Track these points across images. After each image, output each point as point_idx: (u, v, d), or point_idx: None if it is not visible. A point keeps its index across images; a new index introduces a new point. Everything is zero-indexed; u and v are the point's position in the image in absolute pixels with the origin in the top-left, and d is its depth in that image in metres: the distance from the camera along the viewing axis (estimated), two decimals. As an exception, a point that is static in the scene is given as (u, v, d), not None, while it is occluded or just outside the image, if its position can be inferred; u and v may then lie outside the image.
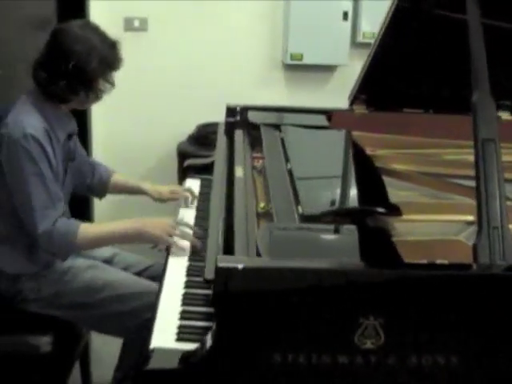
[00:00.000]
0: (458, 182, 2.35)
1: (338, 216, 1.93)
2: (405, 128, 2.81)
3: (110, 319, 2.39)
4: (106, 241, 2.50)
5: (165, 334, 1.82)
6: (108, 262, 2.65)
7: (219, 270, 1.57)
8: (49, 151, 2.33)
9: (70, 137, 2.52)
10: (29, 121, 2.32)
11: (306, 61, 3.95)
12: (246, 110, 2.93)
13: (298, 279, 1.57)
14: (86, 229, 2.38)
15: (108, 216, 3.92)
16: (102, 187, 2.85)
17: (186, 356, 1.65)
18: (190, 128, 3.93)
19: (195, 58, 4.13)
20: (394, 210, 1.98)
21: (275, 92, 4.05)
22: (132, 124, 4.21)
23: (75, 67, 2.34)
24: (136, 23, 4.06)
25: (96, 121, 4.11)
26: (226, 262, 1.59)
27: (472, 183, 2.36)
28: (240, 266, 1.57)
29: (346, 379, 1.60)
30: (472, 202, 2.14)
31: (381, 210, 1.94)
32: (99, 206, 3.98)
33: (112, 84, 2.48)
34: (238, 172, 2.30)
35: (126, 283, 2.44)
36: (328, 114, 2.93)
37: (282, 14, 4.01)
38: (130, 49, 4.01)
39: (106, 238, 2.46)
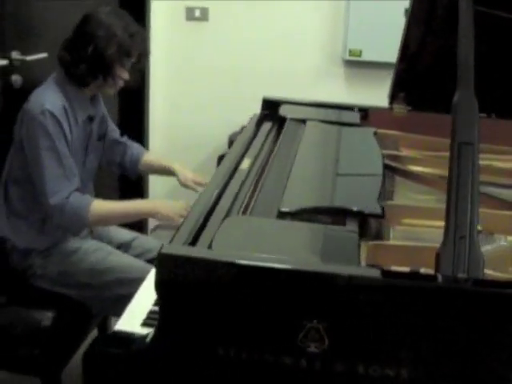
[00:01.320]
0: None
1: (314, 214, 1.89)
2: (442, 130, 2.71)
3: (112, 302, 2.44)
4: (118, 218, 2.59)
5: (133, 318, 1.86)
6: (126, 245, 2.70)
7: (160, 257, 1.58)
8: (65, 128, 2.42)
9: (91, 119, 2.59)
10: (49, 98, 2.43)
11: (365, 57, 3.88)
12: (281, 103, 2.89)
13: (239, 274, 1.55)
14: (98, 205, 2.46)
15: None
16: (134, 166, 2.92)
17: (129, 342, 1.67)
18: (244, 119, 3.92)
19: (254, 50, 4.14)
20: (375, 213, 1.91)
21: (334, 88, 4.01)
22: (189, 112, 4.27)
23: (95, 52, 2.44)
24: (197, 13, 4.10)
25: (154, 108, 4.17)
26: (168, 249, 1.59)
27: (494, 190, 2.32)
28: (178, 254, 1.57)
29: (289, 382, 1.57)
30: (485, 211, 2.09)
31: (356, 210, 1.88)
32: (153, 187, 4.05)
33: (132, 73, 2.58)
34: (244, 164, 2.29)
35: (129, 268, 2.49)
36: (365, 111, 2.87)
37: (344, 9, 3.95)
38: (191, 38, 4.13)
39: (117, 215, 2.55)
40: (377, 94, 2.94)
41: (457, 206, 1.62)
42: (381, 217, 1.93)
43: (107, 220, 2.57)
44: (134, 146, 2.93)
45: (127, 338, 1.72)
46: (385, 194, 2.21)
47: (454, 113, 1.69)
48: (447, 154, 2.48)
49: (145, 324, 1.82)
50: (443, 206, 2.11)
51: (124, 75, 2.56)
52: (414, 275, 1.64)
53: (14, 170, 2.52)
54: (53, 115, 2.40)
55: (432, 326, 1.50)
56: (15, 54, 2.94)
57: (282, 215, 1.88)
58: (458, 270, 1.54)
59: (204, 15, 4.13)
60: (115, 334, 1.78)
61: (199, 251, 1.63)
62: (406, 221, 2.15)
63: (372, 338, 1.52)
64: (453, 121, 1.69)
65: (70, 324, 2.43)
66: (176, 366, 1.62)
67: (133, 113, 4.00)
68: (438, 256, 1.58)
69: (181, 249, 1.62)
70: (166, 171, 2.95)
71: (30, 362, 2.38)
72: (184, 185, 2.85)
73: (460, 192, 1.63)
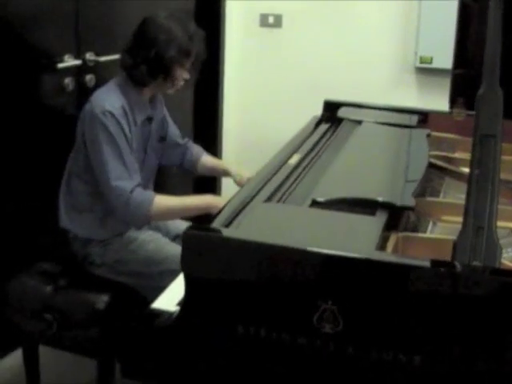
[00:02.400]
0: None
1: (345, 204, 1.94)
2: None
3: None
4: (178, 213, 2.69)
5: (171, 298, 1.93)
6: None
7: (185, 237, 1.66)
8: (125, 127, 2.53)
9: (149, 120, 2.71)
10: (109, 99, 2.55)
11: (436, 64, 3.87)
12: (341, 105, 2.95)
13: (261, 254, 1.62)
14: (160, 200, 2.55)
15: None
16: (192, 167, 3.03)
17: (156, 320, 1.76)
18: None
19: (326, 58, 4.18)
20: (407, 206, 1.95)
21: (406, 96, 4.01)
22: (261, 116, 4.34)
23: (156, 54, 2.54)
24: (271, 19, 4.19)
25: (228, 112, 4.28)
26: (194, 229, 1.67)
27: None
28: (201, 234, 1.65)
29: (305, 362, 1.63)
30: None
31: (386, 201, 1.93)
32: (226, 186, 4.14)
33: (193, 75, 2.69)
34: (293, 159, 2.36)
35: None
36: (425, 115, 2.90)
37: (415, 15, 3.95)
38: (264, 44, 4.22)
39: (178, 210, 2.65)
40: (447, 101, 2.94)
41: (478, 198, 1.64)
42: (412, 209, 1.95)
43: (168, 215, 2.68)
44: (194, 148, 3.03)
45: (158, 315, 1.80)
46: (425, 190, 2.24)
47: (478, 105, 1.71)
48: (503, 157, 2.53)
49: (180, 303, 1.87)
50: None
51: (184, 75, 2.67)
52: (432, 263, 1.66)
53: (76, 166, 2.65)
54: (113, 115, 2.51)
55: (447, 313, 1.52)
56: (89, 55, 3.09)
57: (314, 204, 1.94)
58: (473, 259, 1.56)
59: (278, 22, 4.21)
60: (149, 312, 1.86)
61: (221, 232, 1.69)
62: (447, 218, 2.18)
63: (385, 323, 1.56)
64: (476, 113, 1.71)
65: (124, 308, 2.53)
66: (198, 343, 1.71)
67: (207, 116, 4.11)
68: (455, 245, 1.60)
69: (204, 229, 1.68)
70: (223, 173, 3.05)
71: (88, 344, 2.49)
72: (240, 184, 2.91)
73: (480, 183, 1.64)
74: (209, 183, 3.98)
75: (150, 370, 1.82)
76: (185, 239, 1.66)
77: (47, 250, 2.77)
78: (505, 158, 2.50)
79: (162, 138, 2.86)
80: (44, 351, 2.67)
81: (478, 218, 1.61)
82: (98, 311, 2.45)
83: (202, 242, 1.66)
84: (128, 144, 2.54)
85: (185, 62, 2.61)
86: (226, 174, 3.02)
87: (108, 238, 2.66)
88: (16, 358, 2.80)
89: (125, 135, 2.52)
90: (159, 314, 1.83)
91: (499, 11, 1.78)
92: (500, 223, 2.07)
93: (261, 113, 4.35)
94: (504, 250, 1.95)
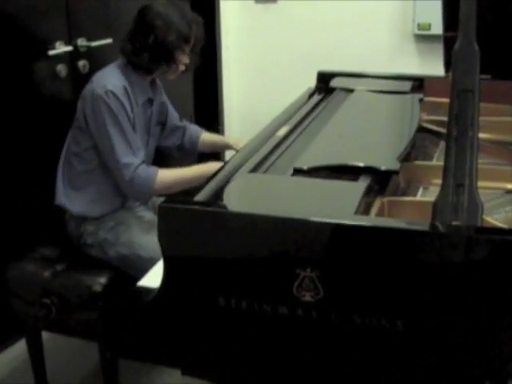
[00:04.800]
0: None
1: (328, 172, 1.92)
2: (496, 96, 2.67)
3: None
4: (182, 184, 2.70)
5: (157, 275, 1.92)
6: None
7: (159, 210, 1.65)
8: (127, 106, 2.58)
9: (150, 102, 2.75)
10: (110, 79, 2.60)
11: (434, 31, 3.82)
12: (334, 75, 2.92)
13: (236, 224, 1.61)
14: (163, 174, 2.63)
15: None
16: (192, 146, 3.07)
17: (141, 295, 1.76)
18: (317, 98, 3.96)
19: (324, 30, 4.15)
20: (392, 169, 1.92)
21: (406, 63, 3.97)
22: (263, 94, 4.33)
23: (156, 41, 2.59)
24: (266, -5, 4.16)
25: (229, 90, 4.26)
26: (169, 202, 1.66)
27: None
28: (174, 206, 1.64)
29: (288, 332, 1.62)
30: None
31: (368, 166, 1.90)
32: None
33: (194, 58, 2.74)
34: (282, 131, 2.33)
35: None
36: (420, 80, 2.86)
37: (413, -17, 3.91)
38: (260, 20, 4.19)
39: (181, 181, 2.68)
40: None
41: (456, 156, 1.60)
42: (396, 173, 1.93)
43: (173, 187, 2.69)
44: (192, 127, 3.07)
45: (144, 292, 1.80)
46: (417, 155, 2.21)
47: (455, 61, 1.67)
48: (500, 118, 2.49)
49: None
50: (481, 167, 2.12)
51: (185, 60, 2.71)
52: (407, 222, 1.64)
53: (75, 145, 2.69)
54: (115, 95, 2.56)
55: (428, 275, 1.49)
56: (81, 41, 3.09)
57: (295, 172, 1.92)
58: (453, 218, 1.53)
59: (273, -3, 4.19)
60: (135, 290, 1.87)
61: (195, 203, 1.69)
62: (438, 181, 2.14)
63: (366, 289, 1.54)
64: (453, 69, 1.67)
65: (121, 289, 2.52)
66: (181, 317, 1.71)
67: (207, 97, 4.10)
68: (434, 205, 1.57)
69: (179, 202, 1.67)
70: (224, 147, 3.09)
71: (88, 327, 2.50)
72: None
73: (458, 140, 1.61)
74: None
75: (142, 348, 1.81)
76: (160, 213, 1.65)
77: (44, 233, 2.81)
78: (502, 119, 2.48)
79: (161, 123, 2.91)
80: (47, 339, 2.68)
81: (457, 177, 1.57)
82: (95, 293, 2.47)
83: (177, 214, 1.64)
84: (130, 123, 2.59)
85: (184, 47, 2.65)
86: (227, 147, 3.06)
87: (101, 216, 2.70)
88: (20, 347, 2.82)
89: (127, 114, 2.58)
90: (145, 291, 1.82)
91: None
92: (494, 184, 2.05)
93: (261, 90, 4.33)
94: (496, 211, 1.93)
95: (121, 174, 2.58)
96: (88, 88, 2.62)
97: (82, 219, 2.70)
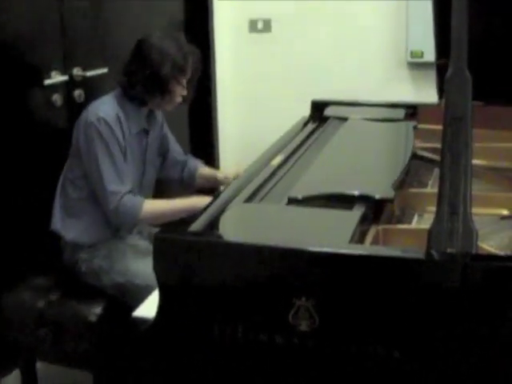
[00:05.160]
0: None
1: (323, 200, 1.92)
2: (491, 122, 2.68)
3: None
4: (167, 216, 2.68)
5: (153, 305, 1.92)
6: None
7: (155, 240, 1.65)
8: (118, 134, 2.59)
9: (146, 132, 2.76)
10: (103, 107, 2.62)
11: (427, 58, 3.84)
12: (328, 104, 2.94)
13: (231, 254, 1.62)
14: (148, 205, 2.62)
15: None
16: (191, 180, 3.06)
17: (136, 325, 1.76)
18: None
19: (318, 59, 4.17)
20: (386, 198, 1.93)
21: (400, 90, 3.99)
22: (257, 121, 4.34)
23: (151, 72, 2.61)
24: (260, 25, 4.19)
25: (224, 118, 4.28)
26: (164, 233, 1.66)
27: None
28: (170, 237, 1.64)
29: (284, 361, 1.61)
30: None
31: (363, 195, 1.90)
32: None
33: (190, 90, 2.75)
34: (275, 160, 2.34)
35: None
36: (414, 108, 2.88)
37: (405, 11, 3.94)
38: (255, 49, 4.21)
39: (166, 213, 2.67)
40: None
41: (449, 182, 1.61)
42: (391, 201, 1.93)
43: (157, 218, 2.70)
44: (192, 162, 3.07)
45: (140, 323, 1.80)
46: (412, 183, 2.21)
47: (447, 88, 1.67)
48: (495, 145, 2.50)
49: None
50: (476, 193, 2.13)
51: (181, 91, 2.72)
52: (402, 250, 1.64)
53: (70, 172, 2.70)
54: (106, 122, 2.58)
55: (424, 303, 1.49)
56: (76, 71, 3.10)
57: (290, 202, 1.92)
58: (448, 246, 1.53)
59: (267, 27, 4.22)
60: (131, 320, 1.87)
61: (190, 233, 1.70)
62: (433, 208, 2.14)
63: (362, 317, 1.53)
64: (445, 96, 1.68)
65: (116, 320, 2.52)
66: (177, 346, 1.70)
67: (202, 125, 4.12)
68: (429, 232, 1.57)
69: (174, 232, 1.68)
70: (219, 182, 3.07)
71: (83, 357, 2.48)
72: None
73: (452, 168, 1.61)
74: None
75: (137, 378, 1.80)
76: (156, 242, 1.65)
77: (40, 260, 2.81)
78: (498, 145, 2.49)
79: (162, 155, 2.92)
80: (42, 369, 2.66)
81: (451, 204, 1.57)
82: (90, 323, 2.46)
83: (173, 244, 1.64)
84: (121, 151, 2.59)
85: (180, 78, 2.66)
86: (222, 182, 3.03)
87: (95, 244, 2.69)
88: (14, 377, 2.80)
89: (118, 142, 2.59)
90: (140, 321, 1.82)
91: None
92: (489, 210, 2.06)
93: (256, 119, 4.34)
94: (491, 237, 1.93)
95: (106, 201, 2.58)
96: (82, 116, 2.65)
97: (77, 246, 2.70)
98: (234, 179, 2.66)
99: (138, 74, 2.63)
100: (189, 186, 3.11)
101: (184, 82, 2.71)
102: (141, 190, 2.74)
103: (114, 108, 2.63)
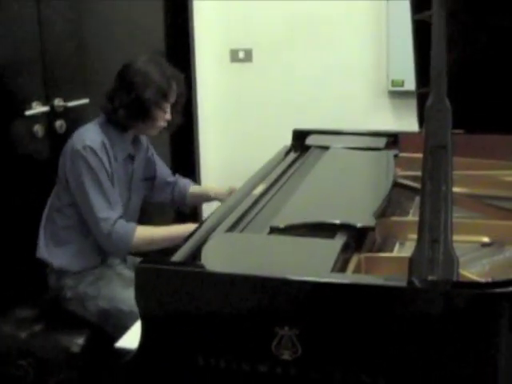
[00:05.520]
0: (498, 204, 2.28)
1: (305, 229, 1.92)
2: (471, 150, 2.71)
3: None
4: (160, 243, 2.69)
5: (136, 336, 1.91)
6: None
7: (137, 270, 1.64)
8: (105, 161, 2.60)
9: (131, 158, 2.77)
10: (89, 135, 2.63)
11: (408, 87, 3.87)
12: (310, 133, 2.95)
13: (214, 283, 1.61)
14: (141, 231, 2.62)
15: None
16: (182, 200, 3.08)
17: (119, 356, 1.75)
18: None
19: (299, 88, 4.21)
20: (368, 226, 1.93)
21: (381, 119, 4.02)
22: (238, 150, 4.36)
23: (134, 97, 2.61)
24: (241, 55, 4.22)
25: (205, 148, 4.30)
26: (146, 263, 1.66)
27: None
28: (154, 267, 1.63)
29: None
30: (496, 222, 2.11)
31: (345, 224, 1.91)
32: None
33: (173, 116, 2.76)
34: (258, 190, 2.35)
35: None
36: (395, 136, 2.89)
37: (385, 40, 3.98)
38: (236, 79, 4.24)
39: (159, 240, 2.68)
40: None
41: (429, 210, 1.61)
42: (373, 230, 1.94)
43: (150, 245, 2.70)
44: (181, 181, 3.10)
45: (122, 354, 1.79)
46: (394, 211, 2.22)
47: (427, 117, 1.69)
48: (475, 173, 2.52)
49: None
50: (457, 221, 2.14)
51: (165, 116, 2.73)
52: (383, 278, 1.65)
53: (58, 201, 2.71)
54: (93, 150, 2.59)
55: (406, 331, 1.49)
56: (58, 101, 3.10)
57: (272, 231, 1.92)
58: (429, 273, 1.54)
59: (248, 56, 4.25)
60: (113, 351, 1.85)
61: (172, 263, 1.70)
62: (414, 236, 2.15)
63: (345, 346, 1.53)
64: (425, 125, 1.69)
65: (99, 350, 2.51)
66: (160, 377, 1.69)
67: (184, 154, 4.13)
68: (410, 260, 1.58)
69: (156, 262, 1.67)
70: (211, 198, 3.10)
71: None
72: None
73: (433, 196, 1.62)
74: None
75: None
76: (137, 273, 1.64)
77: (22, 291, 2.79)
78: (479, 173, 2.51)
79: (148, 179, 2.92)
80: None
81: (432, 232, 1.58)
82: (73, 354, 2.45)
83: (155, 275, 1.64)
84: (108, 178, 2.60)
85: (163, 103, 2.67)
86: (213, 197, 3.07)
87: (82, 271, 2.69)
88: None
89: (105, 169, 2.59)
90: (123, 352, 1.80)
91: (442, 22, 1.78)
92: (470, 237, 2.07)
93: (238, 147, 4.37)
94: (472, 264, 1.94)
95: (98, 228, 2.59)
96: (68, 144, 2.66)
97: (63, 273, 2.70)
98: (231, 193, 2.68)
99: (121, 98, 2.64)
100: (180, 206, 3.13)
101: (167, 107, 2.71)
102: (126, 217, 2.73)
103: (99, 135, 2.64)
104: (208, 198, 3.12)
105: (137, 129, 2.75)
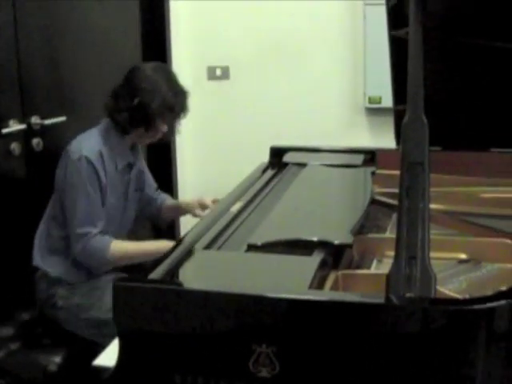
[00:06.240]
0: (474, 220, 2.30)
1: (282, 247, 1.92)
2: (448, 166, 2.72)
3: None
4: (135, 258, 2.71)
5: (113, 354, 1.90)
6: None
7: (115, 288, 1.64)
8: (100, 173, 2.59)
9: (130, 166, 2.76)
10: (87, 144, 2.61)
11: (385, 104, 3.89)
12: (288, 150, 2.96)
13: (191, 301, 1.61)
14: (116, 246, 2.62)
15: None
16: (159, 214, 3.08)
17: (97, 374, 1.73)
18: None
19: (276, 105, 4.23)
20: (345, 243, 1.94)
21: (358, 136, 4.04)
22: (216, 168, 4.36)
23: (139, 104, 2.60)
24: (218, 72, 4.23)
25: (182, 165, 4.30)
26: (123, 281, 1.65)
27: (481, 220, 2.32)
28: (132, 285, 1.63)
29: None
30: (473, 239, 2.13)
31: (322, 241, 1.91)
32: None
33: (173, 128, 2.77)
34: (234, 207, 2.34)
35: None
36: (372, 153, 2.90)
37: (362, 58, 4.00)
38: (213, 96, 4.24)
39: (134, 255, 2.69)
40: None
41: (408, 228, 1.62)
42: (350, 247, 1.94)
43: (125, 260, 2.71)
44: (160, 197, 3.09)
45: (100, 372, 1.78)
46: (371, 228, 2.23)
47: (404, 134, 1.70)
48: (451, 189, 2.53)
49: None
50: (434, 238, 2.15)
51: (163, 128, 2.72)
52: (361, 295, 1.65)
53: (53, 210, 2.70)
54: (89, 161, 2.58)
55: (384, 347, 1.49)
56: (34, 119, 3.09)
57: (250, 248, 1.92)
58: (407, 290, 1.54)
59: (225, 74, 4.26)
60: (91, 369, 1.84)
61: (150, 281, 1.69)
62: (391, 253, 2.16)
63: (322, 362, 1.53)
64: (402, 142, 1.70)
65: (77, 368, 2.49)
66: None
67: (161, 171, 4.10)
68: (388, 277, 1.58)
69: (133, 280, 1.67)
70: (183, 210, 3.09)
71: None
72: (192, 213, 3.00)
73: (410, 213, 1.63)
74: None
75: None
76: (115, 291, 1.64)
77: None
78: (456, 189, 2.53)
79: (139, 189, 2.90)
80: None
81: (410, 249, 1.58)
82: (50, 373, 2.43)
83: (132, 293, 1.63)
84: (101, 191, 2.59)
85: (167, 116, 2.66)
86: (185, 209, 3.07)
87: (76, 282, 2.68)
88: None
89: (98, 181, 2.58)
90: (101, 370, 1.79)
91: (419, 39, 1.79)
92: (447, 254, 2.08)
93: (215, 164, 4.37)
94: (450, 281, 1.95)
95: (74, 241, 2.60)
96: (66, 152, 2.64)
97: (56, 281, 2.68)
98: (214, 203, 2.76)
99: (125, 100, 2.64)
100: (156, 221, 3.15)
101: (170, 120, 2.70)
102: (121, 227, 2.76)
103: (98, 144, 2.63)
104: (181, 211, 3.12)
105: (136, 135, 2.73)
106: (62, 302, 2.68)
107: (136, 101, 2.62)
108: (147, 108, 2.62)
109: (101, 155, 2.61)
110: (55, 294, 2.68)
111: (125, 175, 2.75)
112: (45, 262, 2.71)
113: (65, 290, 2.68)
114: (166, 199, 3.10)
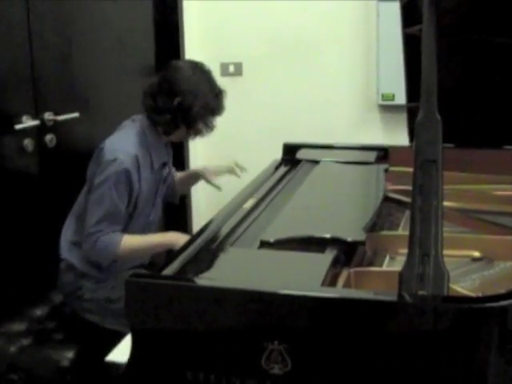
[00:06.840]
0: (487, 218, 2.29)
1: (294, 244, 1.92)
2: (462, 164, 2.71)
3: None
4: (144, 252, 2.73)
5: (126, 350, 1.91)
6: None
7: (127, 284, 1.64)
8: (134, 182, 2.56)
9: (164, 165, 2.75)
10: (122, 146, 2.58)
11: (398, 101, 3.88)
12: (300, 147, 2.96)
13: (204, 297, 1.61)
14: (126, 241, 2.59)
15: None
16: (173, 191, 3.05)
17: (109, 370, 1.74)
18: (285, 170, 3.99)
19: (289, 102, 4.21)
20: (356, 241, 1.93)
21: (371, 133, 4.03)
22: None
23: (180, 105, 2.58)
24: (231, 68, 4.22)
25: (194, 163, 4.28)
26: (135, 277, 1.65)
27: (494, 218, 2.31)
28: (144, 281, 1.63)
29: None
30: (486, 237, 2.12)
31: (334, 238, 1.91)
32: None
33: (211, 128, 2.72)
34: (248, 204, 2.34)
35: None
36: (385, 150, 2.90)
37: (375, 54, 3.99)
38: (227, 93, 4.22)
39: (143, 249, 2.69)
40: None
41: (419, 224, 1.61)
42: (363, 244, 1.94)
43: (134, 254, 2.69)
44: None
45: (112, 367, 1.78)
46: (383, 225, 2.22)
47: (417, 132, 1.69)
48: (466, 187, 2.53)
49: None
50: (447, 235, 2.14)
51: (202, 128, 2.71)
52: (373, 293, 1.64)
53: (84, 203, 2.68)
54: (123, 168, 2.53)
55: (396, 345, 1.49)
56: (48, 115, 3.09)
57: (262, 245, 1.92)
58: (419, 288, 1.54)
59: (238, 70, 4.25)
60: (104, 365, 1.84)
61: (163, 277, 1.70)
62: (404, 250, 2.15)
63: (334, 360, 1.52)
64: (416, 139, 1.69)
65: (89, 364, 2.49)
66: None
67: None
68: (400, 275, 1.58)
69: (146, 276, 1.67)
70: (193, 177, 3.11)
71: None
72: (208, 181, 3.02)
73: (423, 210, 1.62)
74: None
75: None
76: (127, 287, 1.64)
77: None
78: (469, 187, 2.52)
79: (166, 183, 2.89)
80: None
81: (422, 246, 1.58)
82: (63, 369, 2.43)
83: (145, 289, 1.63)
84: (129, 199, 2.57)
85: (209, 118, 2.65)
86: (197, 177, 3.09)
87: (103, 276, 2.68)
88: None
89: (130, 189, 2.56)
90: (113, 366, 1.80)
91: (433, 36, 1.78)
92: (460, 252, 2.07)
93: (227, 161, 4.33)
94: (463, 279, 1.94)
95: (85, 238, 2.58)
96: (100, 148, 2.61)
97: (84, 273, 2.68)
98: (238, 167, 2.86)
99: (166, 99, 2.61)
100: (174, 199, 3.12)
101: (210, 120, 2.69)
102: (150, 225, 2.75)
103: (134, 147, 2.60)
104: (191, 181, 3.13)
105: (176, 136, 2.73)
106: (89, 294, 2.67)
107: (176, 102, 2.60)
108: (190, 110, 2.60)
109: (137, 160, 2.57)
110: (82, 286, 2.68)
111: (159, 173, 2.75)
112: (72, 253, 2.69)
113: (92, 283, 2.68)
114: (175, 175, 3.08)
